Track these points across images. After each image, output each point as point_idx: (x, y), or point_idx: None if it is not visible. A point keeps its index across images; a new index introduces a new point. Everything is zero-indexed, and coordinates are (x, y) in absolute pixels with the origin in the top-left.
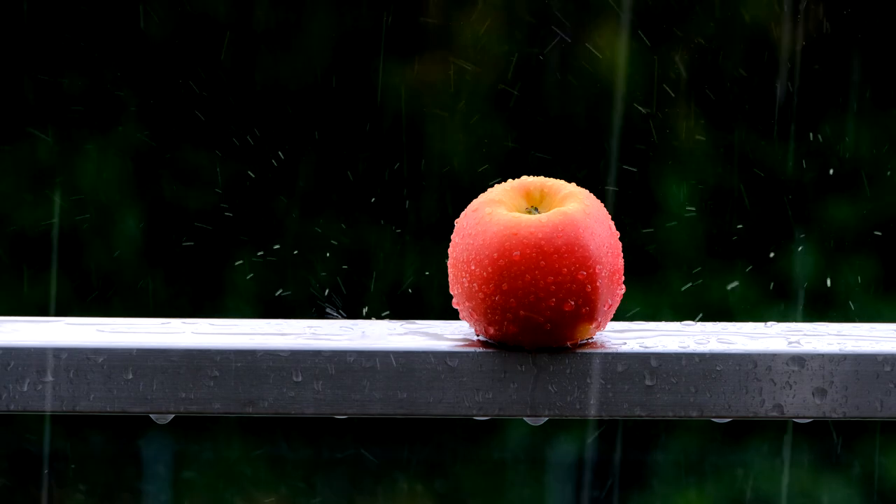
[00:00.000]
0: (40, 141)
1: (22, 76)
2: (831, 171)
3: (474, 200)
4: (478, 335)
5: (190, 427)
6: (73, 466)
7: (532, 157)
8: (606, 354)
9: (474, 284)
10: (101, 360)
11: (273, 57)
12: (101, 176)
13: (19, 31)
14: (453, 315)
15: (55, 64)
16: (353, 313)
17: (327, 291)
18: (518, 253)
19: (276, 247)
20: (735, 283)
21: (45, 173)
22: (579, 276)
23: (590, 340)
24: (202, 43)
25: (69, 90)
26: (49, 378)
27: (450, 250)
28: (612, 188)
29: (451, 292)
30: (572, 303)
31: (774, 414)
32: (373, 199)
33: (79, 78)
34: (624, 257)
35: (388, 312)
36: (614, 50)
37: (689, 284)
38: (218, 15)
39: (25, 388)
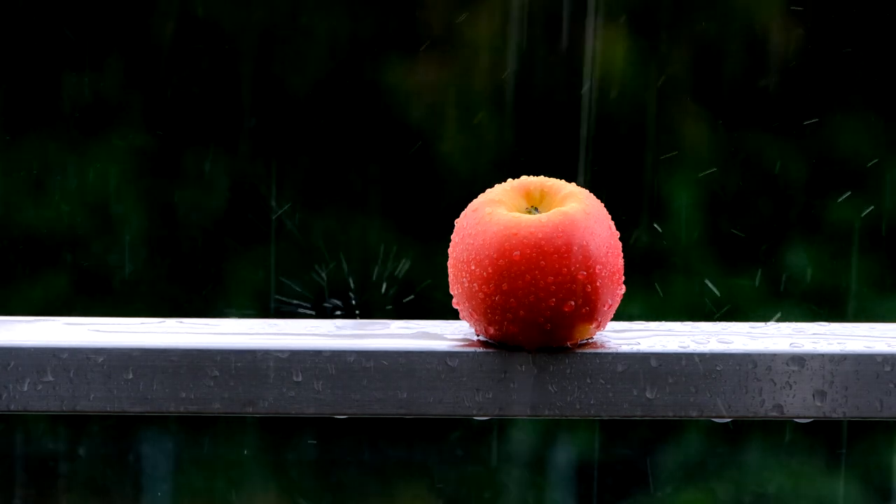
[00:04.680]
0: (41, 140)
1: (23, 76)
2: (833, 171)
3: (474, 200)
4: (478, 335)
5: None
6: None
7: (532, 157)
8: (606, 354)
9: (474, 284)
10: (101, 360)
11: (274, 56)
12: (102, 175)
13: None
14: (453, 315)
15: (56, 64)
16: (353, 313)
17: (327, 291)
18: (518, 253)
19: (277, 247)
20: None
21: (46, 173)
22: (579, 276)
23: (590, 340)
24: (204, 43)
25: (70, 90)
26: (49, 378)
27: (450, 250)
28: (612, 188)
29: (451, 292)
30: (572, 303)
31: (774, 414)
32: (373, 199)
33: (80, 78)
34: (624, 258)
35: (388, 312)
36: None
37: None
38: (220, 16)
39: (25, 388)
